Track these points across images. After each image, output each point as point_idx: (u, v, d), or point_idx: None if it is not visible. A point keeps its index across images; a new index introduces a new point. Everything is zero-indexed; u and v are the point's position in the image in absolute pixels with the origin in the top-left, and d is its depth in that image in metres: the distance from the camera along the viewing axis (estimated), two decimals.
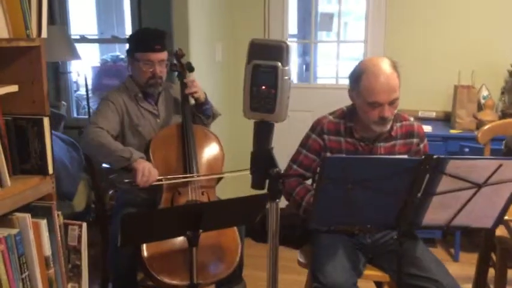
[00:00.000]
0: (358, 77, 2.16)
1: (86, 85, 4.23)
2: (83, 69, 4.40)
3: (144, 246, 2.31)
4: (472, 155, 3.25)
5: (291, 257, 2.52)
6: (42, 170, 1.70)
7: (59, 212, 1.71)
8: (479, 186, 1.75)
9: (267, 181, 1.21)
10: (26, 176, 1.69)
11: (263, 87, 1.20)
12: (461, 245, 3.63)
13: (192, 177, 2.57)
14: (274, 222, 1.16)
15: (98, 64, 5.75)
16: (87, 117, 4.25)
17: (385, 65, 2.13)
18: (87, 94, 4.22)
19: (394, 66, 2.16)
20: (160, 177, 2.50)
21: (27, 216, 1.61)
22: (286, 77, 1.19)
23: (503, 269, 2.49)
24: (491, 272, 2.64)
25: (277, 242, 1.19)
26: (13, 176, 1.65)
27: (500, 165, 1.69)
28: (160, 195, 2.54)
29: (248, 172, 2.39)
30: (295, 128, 2.89)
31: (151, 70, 2.67)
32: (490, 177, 1.71)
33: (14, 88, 1.64)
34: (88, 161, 2.98)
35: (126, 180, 2.47)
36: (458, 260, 3.61)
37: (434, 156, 1.68)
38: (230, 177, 2.78)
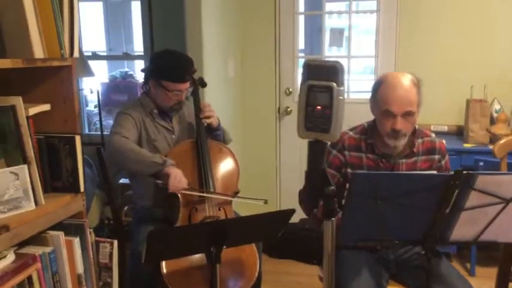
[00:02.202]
0: (377, 86, 2.21)
1: (99, 101, 4.24)
2: (95, 85, 4.40)
3: (164, 263, 2.31)
4: (487, 169, 3.25)
5: (310, 273, 2.52)
6: (73, 188, 1.71)
7: (91, 230, 1.71)
8: (507, 202, 1.75)
9: (320, 200, 1.21)
10: (58, 194, 1.69)
11: (318, 107, 1.22)
12: (477, 259, 3.63)
13: (222, 195, 2.63)
14: (329, 241, 1.17)
15: (106, 80, 5.79)
16: (99, 133, 4.25)
17: (406, 80, 2.16)
18: (100, 110, 4.22)
19: (415, 82, 2.17)
20: (188, 187, 2.53)
21: (61, 234, 1.61)
22: (341, 97, 1.21)
23: None
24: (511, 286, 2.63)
25: (333, 263, 1.19)
26: (44, 194, 1.66)
27: None
28: (178, 211, 2.54)
29: (261, 202, 2.48)
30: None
31: (177, 98, 2.71)
32: None
33: (46, 107, 1.65)
34: (105, 177, 2.98)
35: (159, 181, 2.50)
36: (474, 274, 3.60)
37: (464, 172, 1.69)
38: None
